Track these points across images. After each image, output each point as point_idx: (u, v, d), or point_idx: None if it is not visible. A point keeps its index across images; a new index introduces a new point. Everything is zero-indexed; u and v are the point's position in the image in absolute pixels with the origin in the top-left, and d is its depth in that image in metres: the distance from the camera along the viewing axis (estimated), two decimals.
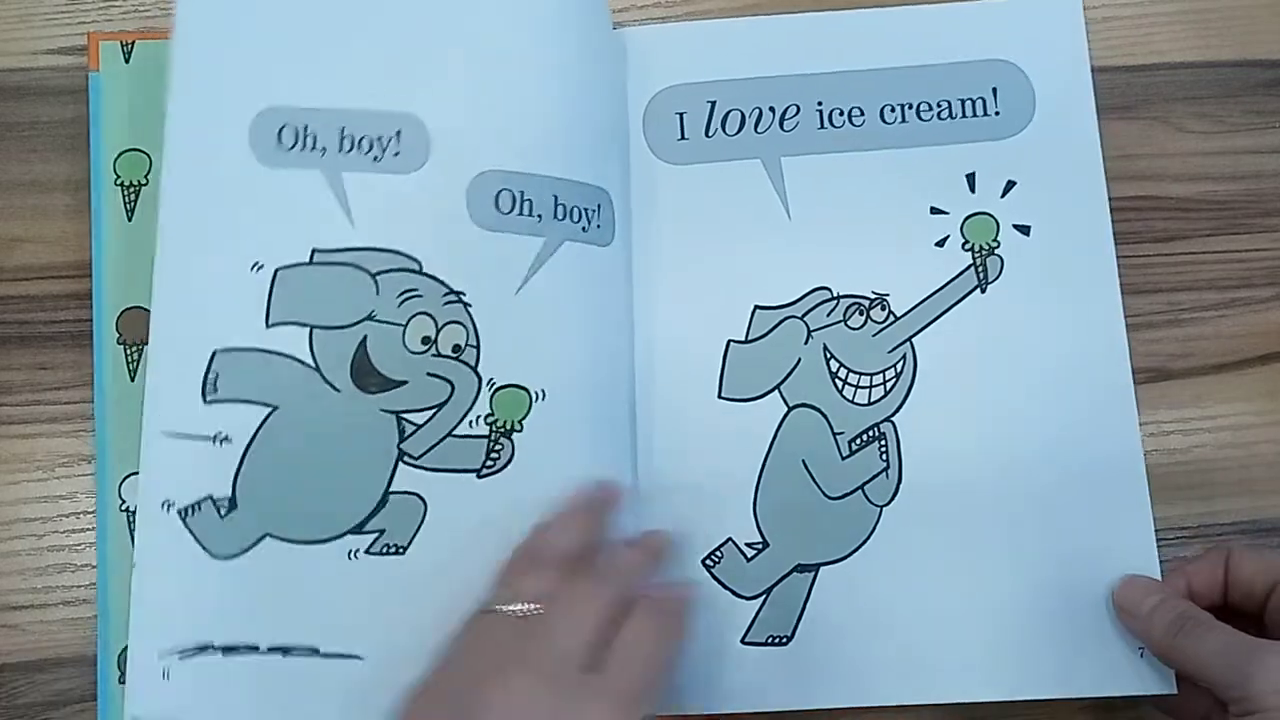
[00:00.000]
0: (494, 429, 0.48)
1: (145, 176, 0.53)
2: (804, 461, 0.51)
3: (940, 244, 0.52)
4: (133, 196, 0.53)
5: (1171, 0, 0.57)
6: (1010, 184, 0.52)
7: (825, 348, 0.51)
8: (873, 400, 0.51)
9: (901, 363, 0.51)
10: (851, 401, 0.51)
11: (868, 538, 0.50)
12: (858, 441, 0.51)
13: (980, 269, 0.51)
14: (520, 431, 0.48)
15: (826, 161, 0.53)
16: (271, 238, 0.49)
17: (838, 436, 0.51)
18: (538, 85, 0.50)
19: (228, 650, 0.46)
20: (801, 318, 0.52)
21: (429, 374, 0.48)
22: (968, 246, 0.52)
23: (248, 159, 0.49)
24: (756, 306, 0.52)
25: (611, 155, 0.52)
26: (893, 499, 0.50)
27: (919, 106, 0.53)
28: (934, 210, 0.52)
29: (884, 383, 0.51)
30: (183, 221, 0.49)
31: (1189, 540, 0.52)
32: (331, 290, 0.48)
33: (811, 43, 0.54)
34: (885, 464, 0.50)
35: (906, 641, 0.49)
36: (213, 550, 0.47)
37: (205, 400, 0.48)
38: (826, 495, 0.50)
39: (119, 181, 0.53)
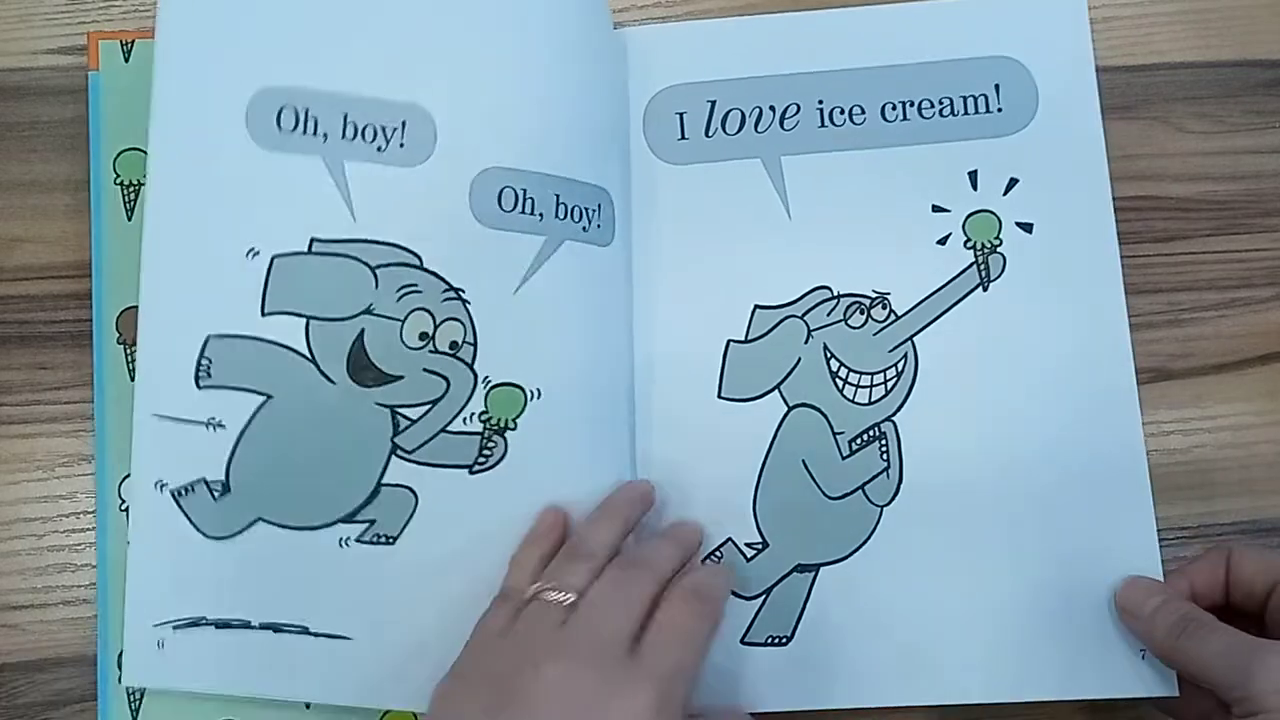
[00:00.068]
0: (488, 426, 0.48)
1: (145, 176, 0.52)
2: (804, 461, 0.50)
3: (942, 242, 0.51)
4: (132, 196, 0.53)
5: (1171, 0, 0.56)
6: (1013, 181, 0.51)
7: (825, 347, 0.51)
8: (873, 400, 0.50)
9: (902, 362, 0.50)
10: (852, 401, 0.50)
11: (868, 538, 0.49)
12: (858, 441, 0.50)
13: (982, 267, 0.51)
14: (514, 430, 0.48)
15: (827, 160, 0.52)
16: (268, 224, 0.47)
17: (838, 436, 0.50)
18: (541, 84, 0.49)
19: (220, 625, 0.47)
20: (801, 317, 0.51)
21: (425, 370, 0.48)
22: (969, 244, 0.51)
23: (244, 141, 0.47)
24: (756, 306, 0.51)
25: (612, 155, 0.52)
26: (893, 499, 0.50)
27: (920, 104, 0.52)
28: (935, 208, 0.51)
29: (884, 382, 0.50)
30: (174, 201, 0.47)
31: (1189, 540, 0.52)
32: (330, 282, 0.48)
33: (812, 41, 0.53)
34: (885, 464, 0.50)
35: (906, 642, 0.48)
36: (206, 530, 0.47)
37: (198, 385, 0.47)
38: (826, 495, 0.50)
39: (119, 181, 0.53)
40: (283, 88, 0.48)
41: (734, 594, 0.49)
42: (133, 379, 0.50)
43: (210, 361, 0.47)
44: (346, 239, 0.48)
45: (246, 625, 0.47)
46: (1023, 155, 0.51)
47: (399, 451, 0.48)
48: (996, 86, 0.52)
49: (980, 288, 0.51)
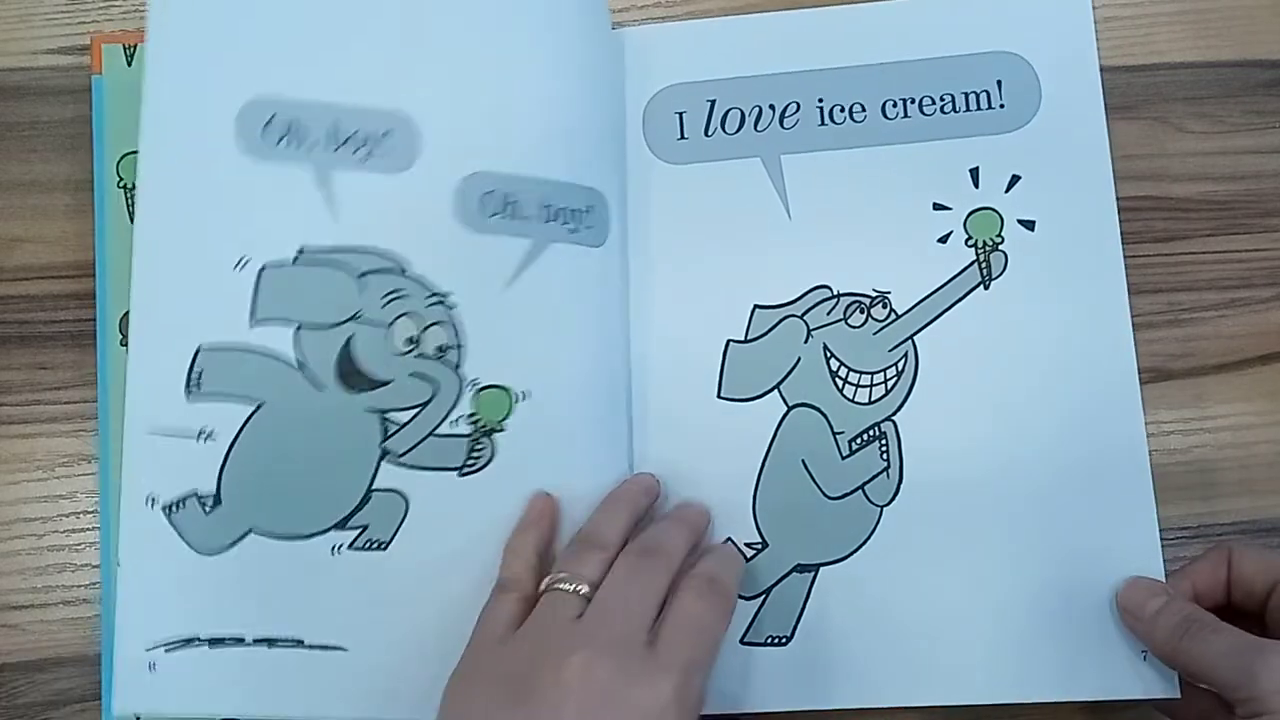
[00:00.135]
0: (476, 429, 0.48)
1: None
2: (804, 461, 0.49)
3: (943, 240, 0.50)
4: (135, 199, 0.51)
5: (1171, 0, 0.56)
6: (1015, 178, 0.50)
7: (825, 347, 0.50)
8: (873, 399, 0.50)
9: (903, 361, 0.50)
10: (852, 401, 0.50)
11: (868, 538, 0.49)
12: (858, 441, 0.49)
13: (984, 265, 0.50)
14: (502, 432, 0.48)
15: (827, 159, 0.51)
16: (257, 234, 0.47)
17: (838, 436, 0.50)
18: (531, 87, 0.49)
19: (214, 643, 0.46)
20: (801, 316, 0.50)
21: (412, 374, 0.48)
22: (971, 242, 0.50)
23: (232, 151, 0.47)
24: (756, 306, 0.51)
25: (606, 156, 0.51)
26: (893, 499, 0.49)
27: (921, 101, 0.51)
28: (936, 206, 0.51)
29: (885, 381, 0.50)
30: (164, 213, 0.47)
31: (1189, 540, 0.51)
32: (318, 290, 0.47)
33: (811, 39, 0.52)
34: (886, 463, 0.49)
35: (906, 642, 0.48)
36: (197, 546, 0.47)
37: (189, 397, 0.47)
38: (826, 495, 0.49)
39: (122, 184, 0.53)
40: (270, 99, 0.48)
41: None
42: None
43: (201, 372, 0.47)
44: (333, 247, 0.48)
45: (240, 642, 0.46)
46: (1025, 152, 0.51)
47: (389, 456, 0.48)
48: (999, 82, 0.51)
49: (981, 286, 0.50)
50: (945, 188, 0.51)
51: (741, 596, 0.48)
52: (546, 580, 0.43)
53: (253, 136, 0.47)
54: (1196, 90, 0.55)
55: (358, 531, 0.47)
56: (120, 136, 0.53)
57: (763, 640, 0.48)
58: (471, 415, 0.48)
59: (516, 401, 0.48)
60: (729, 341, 0.50)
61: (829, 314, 0.50)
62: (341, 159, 0.48)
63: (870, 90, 0.52)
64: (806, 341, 0.50)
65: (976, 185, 0.50)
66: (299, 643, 0.46)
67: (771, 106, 0.52)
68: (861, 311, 0.50)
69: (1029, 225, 0.50)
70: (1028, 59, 0.51)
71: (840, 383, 0.50)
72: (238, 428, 0.47)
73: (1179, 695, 0.46)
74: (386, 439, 0.47)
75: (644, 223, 0.51)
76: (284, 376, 0.47)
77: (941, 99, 0.51)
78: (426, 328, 0.48)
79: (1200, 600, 0.46)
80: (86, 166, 0.53)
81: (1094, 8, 0.52)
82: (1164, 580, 0.47)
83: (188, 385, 0.47)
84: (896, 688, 0.48)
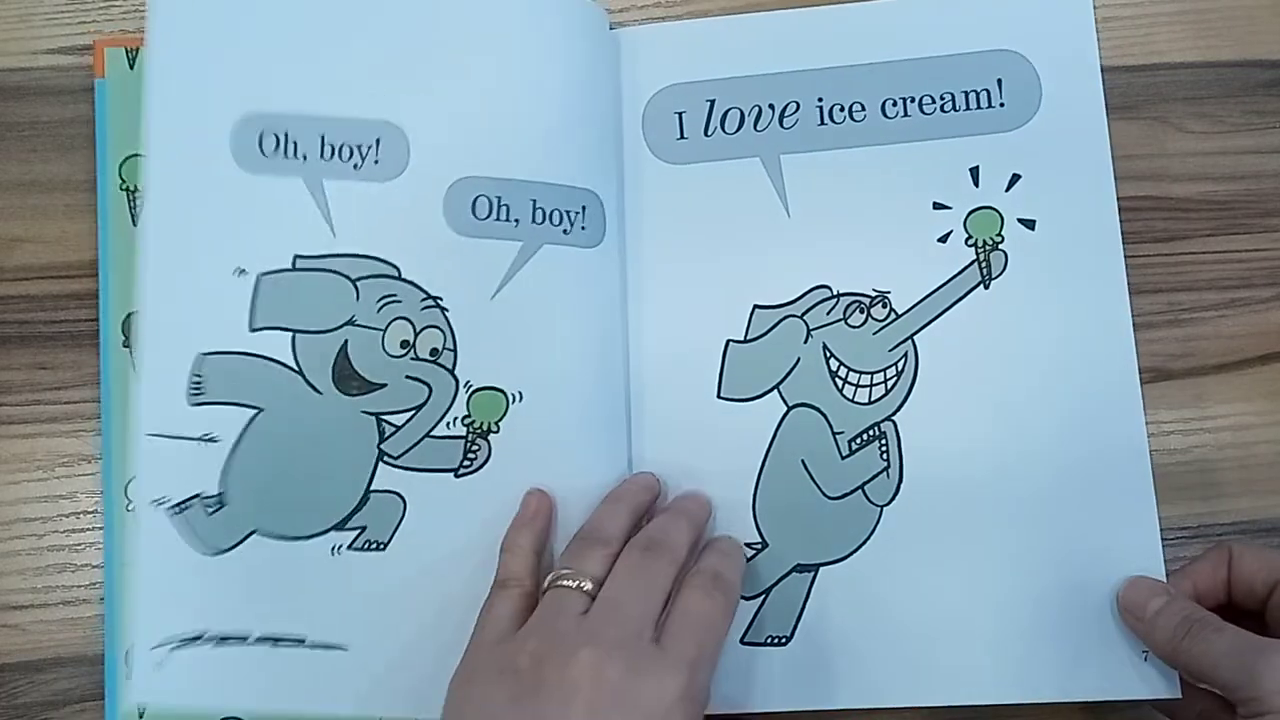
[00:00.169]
0: (471, 430, 0.48)
1: None
2: (803, 461, 0.49)
3: (943, 240, 0.50)
4: (138, 201, 0.52)
5: (1172, 0, 0.55)
6: (1015, 177, 0.50)
7: (825, 346, 0.50)
8: (873, 399, 0.49)
9: (903, 361, 0.49)
10: (851, 401, 0.49)
11: (868, 538, 0.49)
12: (858, 441, 0.49)
13: (984, 265, 0.50)
14: (497, 433, 0.48)
15: (826, 158, 0.51)
16: (254, 244, 0.49)
17: (837, 436, 0.49)
18: (518, 91, 0.50)
19: (219, 640, 0.47)
20: (801, 316, 0.50)
21: (408, 377, 0.48)
22: (971, 242, 0.50)
23: (229, 165, 0.49)
24: (756, 306, 0.50)
25: (601, 157, 0.51)
26: (893, 499, 0.49)
27: (921, 100, 0.51)
28: (936, 205, 0.50)
29: (884, 381, 0.49)
30: (166, 226, 0.48)
31: (1189, 540, 0.51)
32: (314, 296, 0.48)
33: (811, 38, 0.52)
34: (885, 463, 0.49)
35: (906, 642, 0.48)
36: (202, 546, 0.47)
37: (191, 403, 0.48)
38: (826, 495, 0.49)
39: (124, 186, 0.53)
40: (263, 114, 0.49)
41: None
42: None
43: (202, 378, 0.48)
44: (328, 254, 0.49)
45: (245, 639, 0.47)
46: (1025, 151, 0.50)
47: (386, 458, 0.48)
48: (999, 81, 0.51)
49: (981, 285, 0.50)
50: (945, 187, 0.50)
51: (742, 596, 0.48)
52: (550, 577, 0.43)
53: (248, 150, 0.49)
54: (1196, 90, 0.55)
55: (357, 532, 0.48)
56: (122, 139, 0.53)
57: (763, 640, 0.48)
58: (466, 417, 0.48)
59: (511, 403, 0.48)
60: (729, 341, 0.50)
61: (829, 314, 0.50)
62: (334, 169, 0.49)
63: (870, 89, 0.51)
64: (806, 341, 0.50)
65: (976, 184, 0.50)
66: (301, 641, 0.47)
67: (771, 106, 0.51)
68: (861, 311, 0.50)
69: (1029, 225, 0.50)
70: (1028, 58, 0.51)
71: (840, 383, 0.50)
72: (239, 432, 0.48)
73: (1179, 695, 0.46)
74: (383, 441, 0.48)
75: (644, 223, 0.51)
76: (283, 381, 0.48)
77: (941, 98, 0.51)
78: (421, 331, 0.48)
79: (1201, 600, 0.45)
80: (86, 167, 0.53)
81: (1094, 7, 0.52)
82: (1164, 580, 0.47)
83: (191, 391, 0.48)
84: (896, 688, 0.47)
